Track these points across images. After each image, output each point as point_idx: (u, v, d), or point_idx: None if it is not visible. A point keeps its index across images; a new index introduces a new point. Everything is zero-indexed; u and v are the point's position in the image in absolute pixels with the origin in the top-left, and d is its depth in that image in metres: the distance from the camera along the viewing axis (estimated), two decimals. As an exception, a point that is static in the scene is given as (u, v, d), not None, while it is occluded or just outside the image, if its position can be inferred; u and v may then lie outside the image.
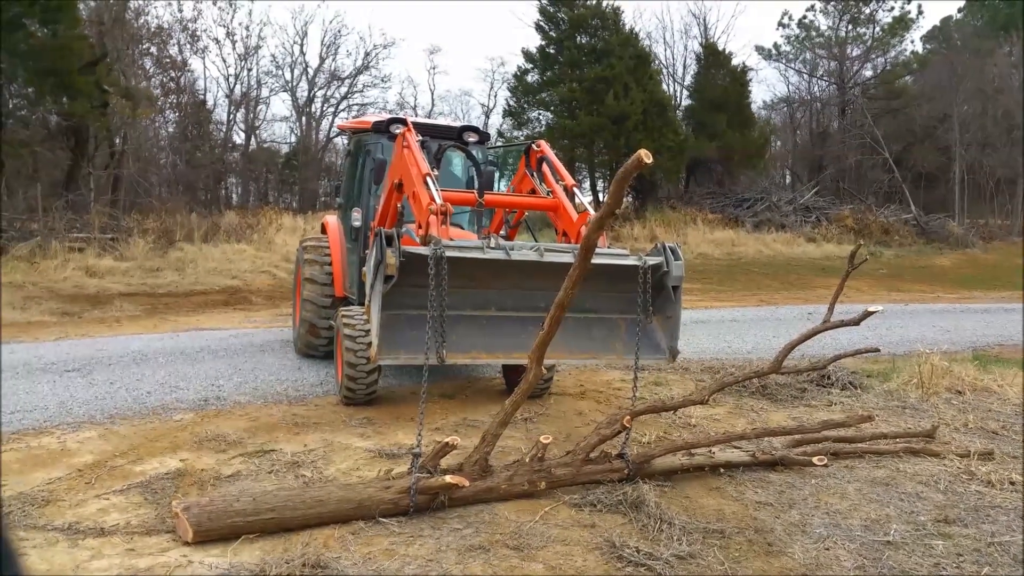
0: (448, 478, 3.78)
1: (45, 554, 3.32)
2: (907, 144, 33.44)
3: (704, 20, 42.01)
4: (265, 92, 35.46)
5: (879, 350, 6.00)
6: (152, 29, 23.60)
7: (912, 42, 39.57)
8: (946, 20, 41.41)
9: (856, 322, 4.92)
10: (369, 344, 5.21)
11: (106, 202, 18.83)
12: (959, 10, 41.97)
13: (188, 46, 28.09)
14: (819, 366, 5.85)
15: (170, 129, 29.48)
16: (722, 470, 4.61)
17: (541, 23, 28.13)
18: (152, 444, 4.96)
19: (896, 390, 6.94)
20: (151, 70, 25.21)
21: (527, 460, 4.21)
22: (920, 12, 35.80)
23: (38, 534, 3.52)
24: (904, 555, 3.58)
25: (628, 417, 4.36)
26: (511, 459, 4.42)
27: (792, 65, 37.98)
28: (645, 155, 3.18)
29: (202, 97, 31.63)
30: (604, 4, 27.82)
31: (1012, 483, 4.55)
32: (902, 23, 35.57)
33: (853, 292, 14.37)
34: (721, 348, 9.35)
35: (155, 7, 30.38)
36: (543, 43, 28.31)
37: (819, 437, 5.06)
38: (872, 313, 4.86)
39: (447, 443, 3.88)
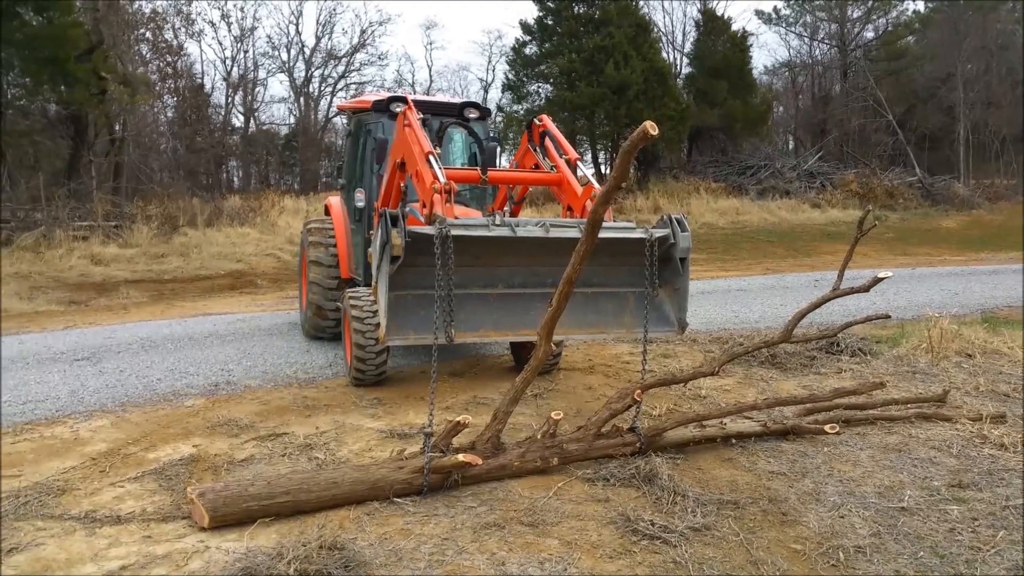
0: (461, 457, 3.79)
1: (64, 543, 3.35)
2: (910, 106, 33.02)
3: (703, -15, 41.33)
4: (262, 74, 35.40)
5: (890, 316, 5.95)
6: (147, 14, 23.38)
7: (914, 1, 38.90)
8: (950, -23, 40.68)
9: (866, 289, 4.87)
10: (377, 325, 5.21)
11: (108, 189, 18.79)
12: (963, -34, 41.19)
13: (183, 30, 27.88)
14: (829, 334, 5.80)
15: (169, 114, 29.38)
16: (734, 441, 4.62)
17: (538, -6, 27.70)
18: (164, 431, 4.99)
19: (906, 355, 6.92)
20: (147, 55, 25.01)
21: (539, 436, 4.22)
22: (923, -30, 35.16)
23: (55, 523, 3.55)
24: (919, 521, 3.59)
25: (638, 391, 4.35)
26: (523, 436, 4.43)
27: (793, 29, 37.47)
28: (651, 127, 3.13)
29: (200, 81, 31.48)
30: (601, -28, 27.34)
31: (1025, 445, 4.55)
32: (905, -19, 34.97)
33: (860, 257, 14.21)
34: (728, 318, 9.32)
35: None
36: (540, 14, 27.89)
37: (830, 405, 5.05)
38: (881, 279, 4.81)
39: (458, 422, 3.88)
